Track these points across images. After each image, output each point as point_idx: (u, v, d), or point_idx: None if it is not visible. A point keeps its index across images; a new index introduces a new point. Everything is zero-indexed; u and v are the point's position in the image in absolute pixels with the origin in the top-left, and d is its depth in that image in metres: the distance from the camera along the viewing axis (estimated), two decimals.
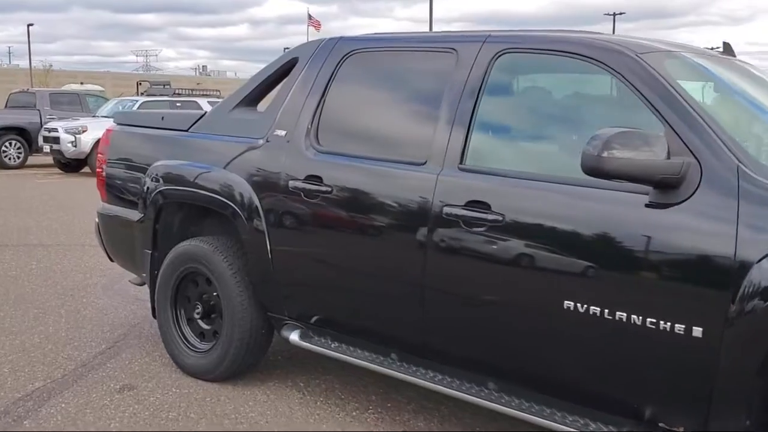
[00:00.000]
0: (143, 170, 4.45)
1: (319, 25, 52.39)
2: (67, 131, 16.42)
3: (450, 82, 3.35)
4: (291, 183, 3.73)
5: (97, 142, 15.60)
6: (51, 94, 20.23)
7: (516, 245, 2.99)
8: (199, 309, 4.28)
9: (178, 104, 17.77)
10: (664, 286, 2.66)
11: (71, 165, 17.21)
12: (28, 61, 59.27)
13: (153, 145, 4.57)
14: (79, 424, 3.66)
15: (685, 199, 2.62)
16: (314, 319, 3.83)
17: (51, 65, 67.13)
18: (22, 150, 18.28)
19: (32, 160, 18.68)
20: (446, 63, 3.41)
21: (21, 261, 7.34)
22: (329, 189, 3.59)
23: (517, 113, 3.43)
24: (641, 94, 2.83)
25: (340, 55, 3.85)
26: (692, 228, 2.60)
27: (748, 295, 2.43)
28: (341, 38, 3.97)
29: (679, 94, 2.78)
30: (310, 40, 4.39)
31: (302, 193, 3.68)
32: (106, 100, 21.05)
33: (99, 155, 4.87)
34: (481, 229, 3.06)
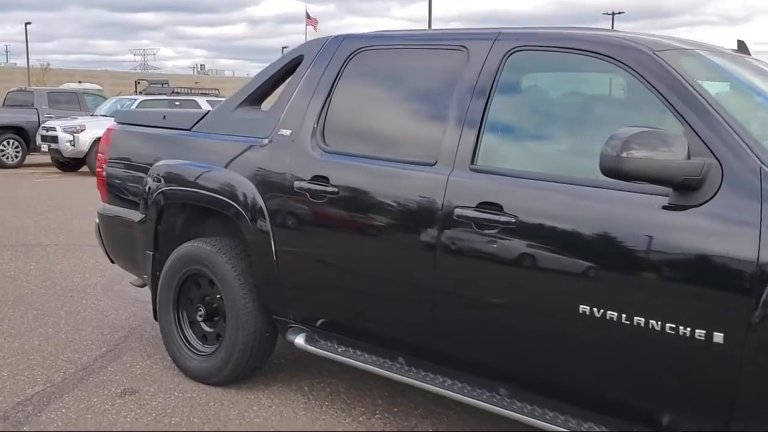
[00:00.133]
0: (145, 170, 4.37)
1: (317, 23, 52.40)
2: (65, 130, 16.34)
3: (460, 81, 3.27)
4: (296, 183, 3.66)
5: (96, 141, 15.70)
6: (49, 92, 20.11)
7: (528, 248, 2.92)
8: (202, 311, 4.20)
9: (176, 103, 17.69)
10: (684, 290, 2.58)
11: (69, 164, 17.12)
12: (25, 60, 59.15)
13: (155, 144, 4.49)
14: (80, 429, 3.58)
15: (706, 201, 2.54)
16: (320, 322, 3.76)
17: (48, 64, 67.10)
18: (19, 149, 18.16)
19: (30, 159, 18.56)
20: (456, 61, 3.33)
21: (19, 261, 7.26)
22: (336, 190, 3.52)
23: (529, 112, 3.35)
24: (659, 92, 2.76)
25: (347, 53, 3.77)
26: (713, 231, 2.53)
27: None
28: (347, 36, 3.89)
29: (699, 93, 2.70)
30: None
31: (308, 194, 3.60)
32: (105, 99, 20.94)
33: (99, 155, 4.79)
34: (494, 231, 2.98)
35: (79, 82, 39.71)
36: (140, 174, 4.42)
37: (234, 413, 3.80)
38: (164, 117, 4.57)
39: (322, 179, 3.57)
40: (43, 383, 4.12)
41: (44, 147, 16.83)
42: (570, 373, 2.90)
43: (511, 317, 3.01)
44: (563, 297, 2.82)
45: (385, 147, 3.52)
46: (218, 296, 4.07)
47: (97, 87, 33.41)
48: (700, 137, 2.61)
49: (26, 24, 57.96)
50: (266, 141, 3.87)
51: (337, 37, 3.93)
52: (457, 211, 3.09)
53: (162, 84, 23.69)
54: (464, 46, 3.34)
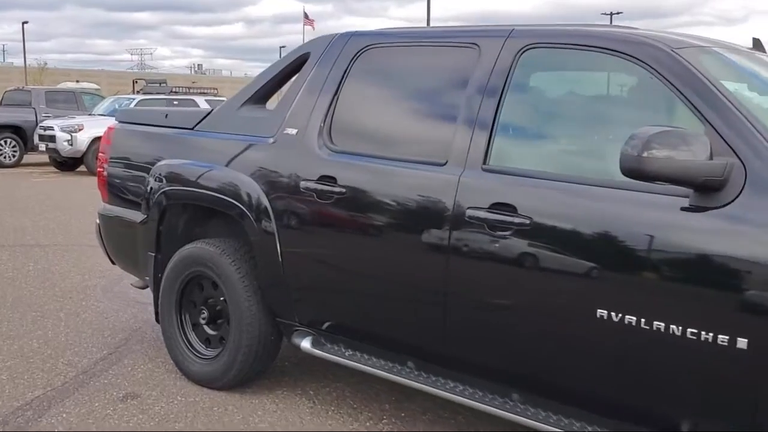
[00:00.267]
0: (146, 170, 4.29)
1: (313, 23, 52.39)
2: (63, 129, 16.23)
3: (472, 79, 3.19)
4: (302, 183, 3.58)
5: (93, 140, 15.61)
6: (47, 92, 20.01)
7: (543, 250, 2.84)
8: (205, 314, 4.11)
9: (175, 102, 17.60)
10: (705, 295, 2.50)
11: (67, 164, 17.02)
12: (22, 59, 59.06)
13: (157, 143, 4.41)
14: None
15: (728, 203, 2.47)
16: (326, 325, 3.68)
17: (46, 63, 67.02)
18: (17, 148, 18.05)
19: (28, 158, 18.45)
20: (468, 58, 3.25)
21: (18, 262, 7.17)
22: (343, 190, 3.44)
23: (543, 111, 3.28)
24: (679, 91, 2.69)
25: (354, 51, 3.69)
26: (735, 234, 2.45)
27: None
28: (355, 33, 3.81)
29: (720, 91, 2.63)
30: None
31: (315, 194, 3.52)
32: (102, 98, 20.86)
33: (100, 154, 4.71)
34: (507, 233, 2.91)
35: (77, 81, 39.56)
36: (142, 174, 4.34)
37: (238, 418, 3.72)
38: (166, 116, 4.49)
39: (329, 179, 3.49)
40: (43, 387, 4.04)
41: (42, 146, 16.72)
42: (586, 379, 2.83)
43: (525, 321, 2.94)
44: (580, 301, 2.74)
45: (393, 146, 3.44)
46: (222, 298, 3.99)
47: (95, 86, 33.29)
48: (721, 137, 2.54)
49: (23, 23, 57.99)
50: (271, 140, 3.79)
51: (344, 34, 3.85)
52: (469, 212, 3.02)
53: (160, 83, 23.64)
54: (476, 44, 3.27)
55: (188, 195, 4.09)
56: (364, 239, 3.44)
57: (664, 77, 2.73)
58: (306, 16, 55.68)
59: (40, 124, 17.14)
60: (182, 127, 4.32)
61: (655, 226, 2.60)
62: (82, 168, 16.52)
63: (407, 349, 3.39)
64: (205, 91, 21.83)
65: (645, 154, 2.42)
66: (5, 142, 17.92)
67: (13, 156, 18.03)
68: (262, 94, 4.15)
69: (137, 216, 4.35)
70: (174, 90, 20.50)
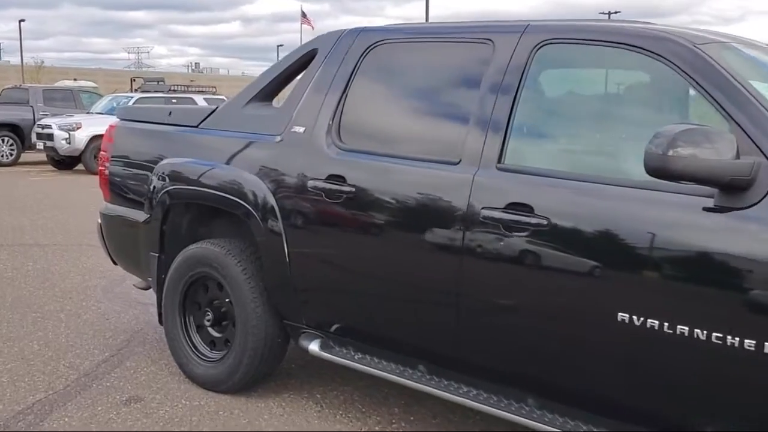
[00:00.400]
0: (149, 168, 4.20)
1: (310, 22, 52.26)
2: (60, 128, 16.12)
3: (486, 75, 3.11)
4: (311, 183, 3.50)
5: (92, 139, 15.51)
6: (44, 90, 19.89)
7: (561, 252, 2.76)
8: (210, 316, 4.03)
9: (173, 101, 17.49)
10: (731, 298, 2.42)
11: (65, 162, 16.89)
12: (19, 58, 58.88)
13: (160, 141, 4.32)
14: None
15: (755, 204, 2.39)
16: (334, 327, 3.60)
17: (42, 62, 66.75)
18: (14, 147, 17.94)
19: (25, 157, 18.34)
20: (482, 54, 3.17)
21: (17, 262, 7.08)
22: (353, 189, 3.36)
23: (560, 108, 3.20)
24: (702, 88, 2.61)
25: (363, 47, 3.61)
26: (762, 235, 2.38)
27: None
28: (364, 29, 3.72)
29: (745, 88, 2.55)
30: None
31: (323, 194, 3.44)
32: (100, 96, 20.76)
33: (102, 152, 4.62)
34: (523, 233, 2.83)
35: (75, 79, 39.45)
36: (144, 172, 4.25)
37: (244, 422, 3.64)
38: (170, 113, 4.41)
39: (338, 178, 3.41)
40: (45, 390, 3.95)
41: (40, 145, 16.61)
42: (605, 384, 2.75)
43: (542, 324, 2.85)
44: (600, 304, 2.66)
45: (404, 145, 3.36)
46: (227, 300, 3.90)
47: (93, 85, 33.17)
48: (748, 135, 2.46)
49: (20, 21, 57.69)
50: (278, 138, 3.70)
51: (352, 30, 3.76)
52: (484, 212, 2.94)
53: (158, 81, 23.53)
54: (490, 39, 3.19)
55: (192, 194, 4.01)
56: (373, 239, 3.36)
57: (686, 74, 2.65)
58: (304, 15, 55.45)
59: (38, 123, 17.03)
60: (186, 125, 4.23)
61: (679, 227, 2.52)
62: (80, 167, 16.41)
63: (418, 352, 3.31)
64: (204, 89, 21.73)
65: (670, 153, 2.34)
66: (2, 140, 17.80)
67: (11, 154, 17.91)
68: (269, 91, 4.06)
69: (140, 215, 4.27)
70: (172, 88, 20.40)
